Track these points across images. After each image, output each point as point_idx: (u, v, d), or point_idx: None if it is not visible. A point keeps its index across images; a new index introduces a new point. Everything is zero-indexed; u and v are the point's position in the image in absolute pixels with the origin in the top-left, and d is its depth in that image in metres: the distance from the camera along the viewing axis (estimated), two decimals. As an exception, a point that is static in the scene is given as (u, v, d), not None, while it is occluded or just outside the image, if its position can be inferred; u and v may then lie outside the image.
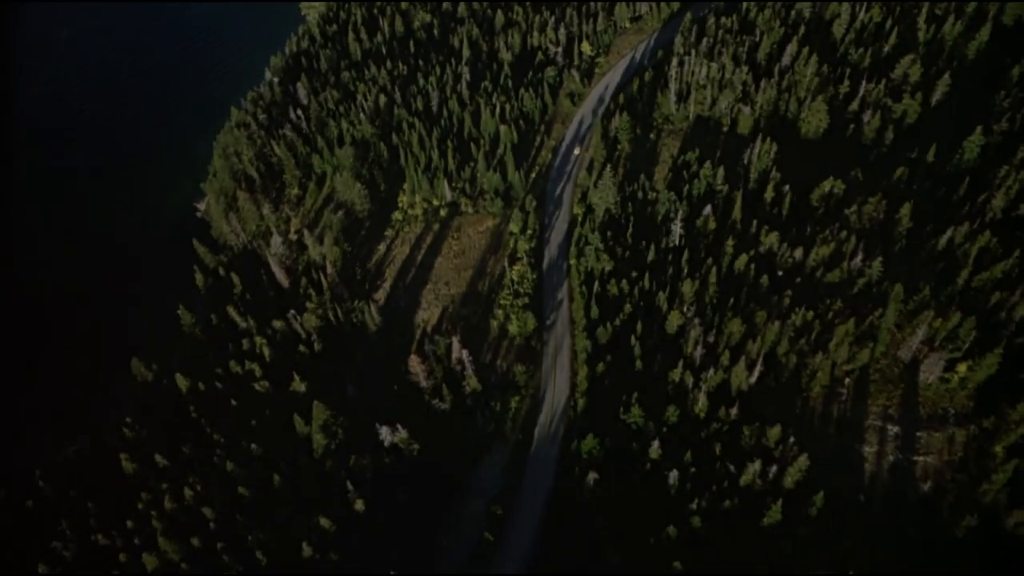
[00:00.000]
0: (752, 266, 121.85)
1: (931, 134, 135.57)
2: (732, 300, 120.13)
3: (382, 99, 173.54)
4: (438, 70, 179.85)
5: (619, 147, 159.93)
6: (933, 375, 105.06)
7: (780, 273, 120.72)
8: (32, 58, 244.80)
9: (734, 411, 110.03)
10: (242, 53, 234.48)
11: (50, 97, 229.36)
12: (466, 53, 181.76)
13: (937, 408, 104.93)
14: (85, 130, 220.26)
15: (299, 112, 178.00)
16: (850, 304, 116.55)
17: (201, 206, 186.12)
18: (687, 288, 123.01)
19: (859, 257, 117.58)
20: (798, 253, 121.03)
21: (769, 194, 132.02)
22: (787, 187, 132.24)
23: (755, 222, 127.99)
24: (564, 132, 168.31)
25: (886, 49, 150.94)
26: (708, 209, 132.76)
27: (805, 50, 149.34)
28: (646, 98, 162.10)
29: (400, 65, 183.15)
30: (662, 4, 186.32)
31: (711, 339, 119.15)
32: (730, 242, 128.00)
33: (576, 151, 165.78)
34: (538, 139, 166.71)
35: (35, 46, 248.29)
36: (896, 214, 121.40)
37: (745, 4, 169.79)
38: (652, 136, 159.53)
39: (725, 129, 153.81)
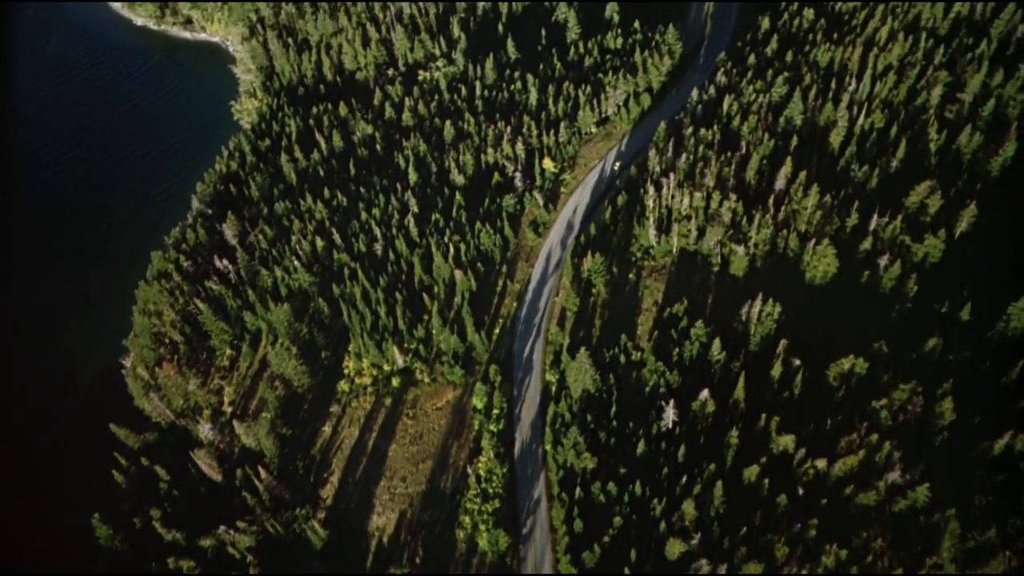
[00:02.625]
0: (766, 480, 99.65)
1: (960, 277, 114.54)
2: (744, 528, 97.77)
3: (319, 242, 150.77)
4: (382, 199, 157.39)
5: (594, 290, 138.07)
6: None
7: (801, 491, 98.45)
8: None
9: None
10: (175, 166, 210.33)
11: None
12: (413, 177, 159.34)
13: None
14: None
15: (226, 262, 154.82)
16: (891, 531, 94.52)
17: (128, 363, 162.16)
18: (688, 508, 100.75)
19: (896, 471, 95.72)
20: (820, 463, 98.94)
21: (777, 370, 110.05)
22: (797, 361, 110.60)
23: (764, 415, 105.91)
24: (529, 272, 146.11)
25: (894, 164, 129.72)
26: (706, 393, 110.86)
27: (802, 175, 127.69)
28: (621, 229, 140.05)
29: (339, 195, 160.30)
30: (631, 104, 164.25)
31: (722, 572, 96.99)
32: (734, 434, 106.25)
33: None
34: (500, 283, 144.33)
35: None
36: (935, 403, 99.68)
37: (727, 108, 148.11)
38: (631, 276, 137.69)
39: (715, 268, 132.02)
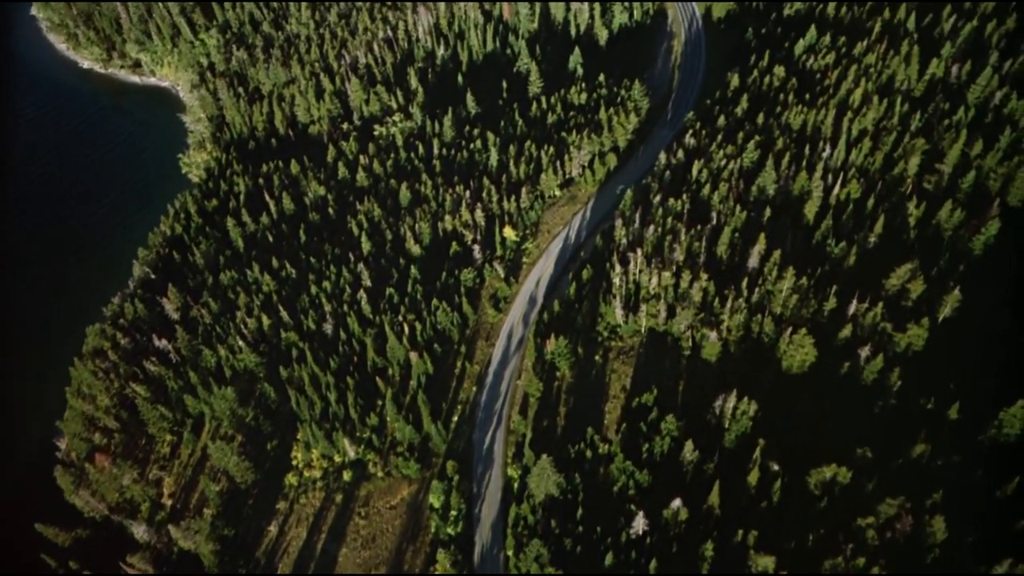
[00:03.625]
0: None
1: (946, 367, 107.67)
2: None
3: (266, 320, 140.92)
4: (333, 271, 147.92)
5: (558, 373, 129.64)
6: None
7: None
8: None
9: None
10: (119, 225, 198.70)
11: None
12: (366, 245, 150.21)
13: None
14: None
15: (165, 342, 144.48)
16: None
17: (63, 445, 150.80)
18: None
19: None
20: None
21: (754, 476, 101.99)
22: (775, 466, 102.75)
23: (741, 530, 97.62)
24: (490, 352, 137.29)
25: (872, 240, 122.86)
26: (678, 502, 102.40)
27: (776, 254, 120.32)
28: (586, 308, 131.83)
29: (288, 267, 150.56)
30: (596, 164, 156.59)
31: None
32: (709, 546, 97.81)
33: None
34: (458, 365, 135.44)
35: None
36: (924, 517, 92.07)
37: (696, 173, 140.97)
38: (598, 358, 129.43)
39: (687, 353, 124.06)
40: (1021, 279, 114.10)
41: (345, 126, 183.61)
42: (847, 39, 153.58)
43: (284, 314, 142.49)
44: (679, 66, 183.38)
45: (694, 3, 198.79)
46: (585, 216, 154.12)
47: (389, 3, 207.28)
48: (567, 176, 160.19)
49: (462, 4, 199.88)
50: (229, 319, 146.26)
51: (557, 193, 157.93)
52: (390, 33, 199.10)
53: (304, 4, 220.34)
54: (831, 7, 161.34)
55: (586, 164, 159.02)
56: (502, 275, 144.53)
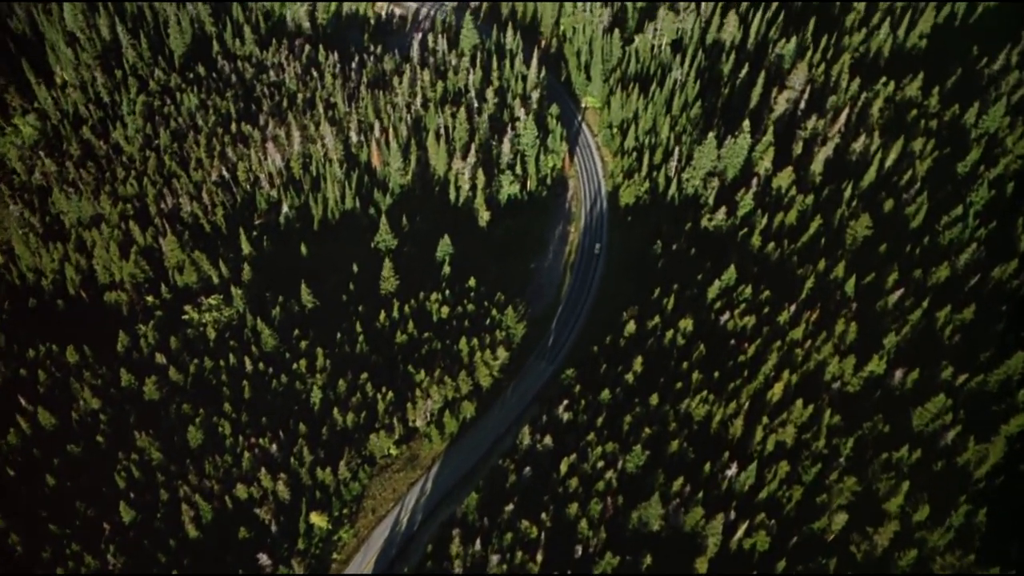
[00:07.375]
0: None
1: None
2: None
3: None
4: (74, 549, 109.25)
5: None
6: None
7: None
8: None
9: None
10: None
11: None
12: (127, 515, 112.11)
13: None
14: None
15: None
16: None
17: None
18: None
19: None
20: None
21: None
22: None
23: None
24: None
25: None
26: None
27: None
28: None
29: (14, 536, 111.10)
30: (447, 417, 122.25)
31: None
32: None
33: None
34: None
35: None
36: None
37: (564, 470, 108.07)
38: None
39: None
40: None
41: (150, 299, 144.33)
42: (772, 293, 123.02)
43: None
44: (572, 265, 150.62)
45: (601, 178, 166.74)
46: (425, 489, 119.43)
47: (232, 133, 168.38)
48: (411, 424, 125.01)
49: (321, 146, 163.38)
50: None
51: (392, 451, 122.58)
52: (226, 174, 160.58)
53: (139, 107, 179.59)
54: (756, 238, 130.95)
55: (435, 413, 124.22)
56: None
